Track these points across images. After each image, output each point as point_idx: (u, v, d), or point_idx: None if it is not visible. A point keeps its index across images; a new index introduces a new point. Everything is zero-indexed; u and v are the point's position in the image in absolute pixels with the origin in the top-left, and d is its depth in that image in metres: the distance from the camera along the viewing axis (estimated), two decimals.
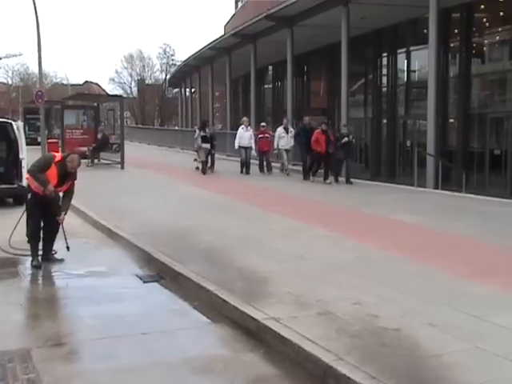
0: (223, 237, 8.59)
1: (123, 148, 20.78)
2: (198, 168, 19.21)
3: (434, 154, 16.06)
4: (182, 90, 49.64)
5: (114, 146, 21.99)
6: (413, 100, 22.49)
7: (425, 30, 17.45)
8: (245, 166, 18.42)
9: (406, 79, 22.88)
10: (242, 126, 18.90)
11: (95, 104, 25.20)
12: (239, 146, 18.63)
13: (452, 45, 20.09)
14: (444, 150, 18.93)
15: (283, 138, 18.21)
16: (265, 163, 18.84)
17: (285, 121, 19.22)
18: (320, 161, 16.37)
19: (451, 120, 20.20)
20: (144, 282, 6.87)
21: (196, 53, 35.48)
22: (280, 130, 18.49)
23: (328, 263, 7.04)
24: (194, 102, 44.53)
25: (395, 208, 11.64)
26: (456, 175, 18.53)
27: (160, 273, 7.10)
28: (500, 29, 18.95)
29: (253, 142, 18.55)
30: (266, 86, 37.31)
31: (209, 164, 19.11)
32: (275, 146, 18.46)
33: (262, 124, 20.15)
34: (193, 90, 45.54)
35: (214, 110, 39.72)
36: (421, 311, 5.30)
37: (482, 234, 8.86)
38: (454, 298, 5.65)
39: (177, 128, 49.10)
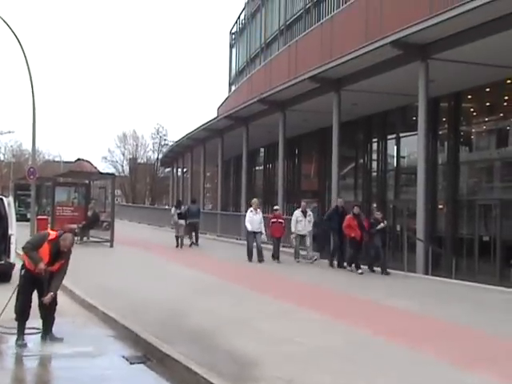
0: (213, 318, 8.54)
1: (113, 226, 20.80)
2: (188, 245, 21.02)
3: (423, 240, 16.17)
4: (174, 169, 50.23)
5: (104, 224, 22.02)
6: (402, 185, 22.86)
7: (414, 118, 18.00)
8: (252, 254, 16.52)
9: (395, 164, 23.34)
10: (251, 208, 17.14)
11: (87, 181, 25.41)
12: (248, 231, 16.90)
13: (440, 132, 20.66)
14: (434, 235, 19.09)
15: (301, 223, 16.66)
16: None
17: (303, 203, 17.56)
18: (357, 248, 15.12)
19: (440, 206, 20.49)
20: (130, 363, 6.76)
21: (189, 133, 36.19)
22: (297, 213, 16.93)
23: (319, 347, 6.98)
24: (185, 182, 44.96)
25: (386, 293, 11.62)
26: (446, 261, 18.60)
27: (147, 354, 7.00)
28: (487, 118, 19.60)
29: (263, 226, 16.87)
30: (257, 168, 37.87)
31: (193, 239, 21.70)
32: (292, 230, 16.85)
33: (276, 207, 18.64)
34: (184, 170, 46.07)
35: (205, 190, 40.11)
36: None
37: (473, 321, 8.83)
38: None
39: (167, 207, 49.29)
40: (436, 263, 17.45)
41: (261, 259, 16.35)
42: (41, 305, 7.55)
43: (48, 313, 7.59)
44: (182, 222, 20.96)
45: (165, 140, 70.49)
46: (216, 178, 40.34)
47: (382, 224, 15.03)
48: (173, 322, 8.25)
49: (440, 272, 16.42)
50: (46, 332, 7.60)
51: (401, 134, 22.57)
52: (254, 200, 17.87)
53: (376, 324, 8.44)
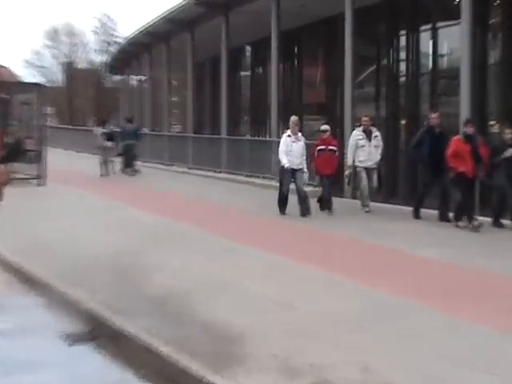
0: (183, 278, 8.65)
1: (44, 157, 20.71)
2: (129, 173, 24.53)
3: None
4: (127, 77, 49.68)
5: (31, 155, 21.89)
6: (440, 94, 22.75)
7: (456, 0, 17.75)
8: (286, 202, 14.81)
9: (431, 66, 23.18)
10: (288, 132, 15.10)
11: (5, 96, 25.09)
12: (282, 167, 14.91)
13: (492, 20, 20.40)
14: None
15: (363, 149, 15.23)
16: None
17: (365, 119, 15.80)
18: (469, 190, 13.27)
19: (492, 122, 20.43)
20: (70, 343, 6.83)
21: (147, 26, 35.56)
22: (358, 133, 15.51)
23: (324, 314, 7.11)
24: (143, 94, 44.56)
25: (415, 240, 11.78)
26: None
27: (94, 330, 7.08)
28: None
29: (304, 160, 14.97)
30: (242, 73, 37.52)
31: (135, 166, 25.05)
32: (349, 163, 15.56)
33: (324, 127, 15.95)
34: (142, 78, 45.60)
35: (170, 106, 39.73)
36: (450, 380, 5.38)
37: None
38: (492, 361, 5.74)
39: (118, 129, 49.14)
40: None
41: (305, 212, 14.57)
42: None
43: None
44: (109, 143, 24.30)
45: (113, 37, 69.46)
46: (185, 88, 39.91)
47: (510, 150, 13.16)
48: (128, 285, 8.33)
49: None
50: None
51: (438, 24, 22.29)
52: (294, 118, 15.46)
53: (399, 280, 8.67)
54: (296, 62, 31.83)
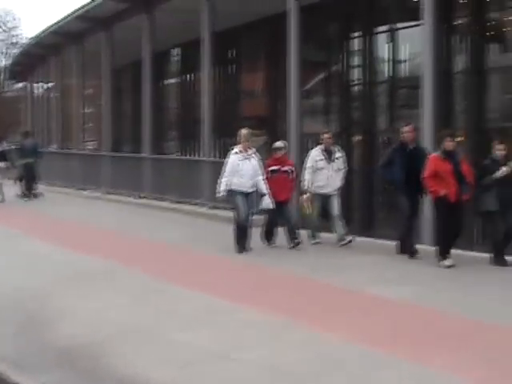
0: (96, 326, 8.58)
1: None
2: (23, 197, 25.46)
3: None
4: (31, 84, 49.26)
5: None
6: (400, 106, 22.94)
7: None
8: (246, 236, 14.42)
9: (388, 73, 23.40)
10: (237, 148, 14.71)
11: None
12: (232, 191, 14.47)
13: (459, 21, 20.67)
14: None
15: (321, 172, 15.19)
16: (281, 226, 15.29)
17: (326, 136, 15.65)
18: (451, 217, 12.72)
19: (459, 138, 20.63)
20: None
21: (55, 24, 35.34)
22: (316, 153, 15.36)
23: (266, 366, 7.08)
24: (50, 105, 44.21)
25: (373, 276, 11.84)
26: None
27: None
28: None
29: (262, 181, 14.53)
30: (168, 81, 37.51)
31: (36, 189, 25.79)
32: (305, 186, 15.23)
33: (278, 144, 15.63)
34: (49, 86, 45.27)
35: (84, 118, 39.47)
36: None
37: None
38: None
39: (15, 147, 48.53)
40: None
41: (244, 245, 14.41)
42: None
43: None
44: (2, 164, 25.33)
45: (16, 36, 68.94)
46: (102, 98, 39.73)
47: (503, 169, 12.87)
48: (29, 335, 8.25)
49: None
50: None
51: (397, 25, 22.54)
52: (245, 132, 14.94)
53: (357, 324, 8.67)
54: (233, 67, 31.92)
